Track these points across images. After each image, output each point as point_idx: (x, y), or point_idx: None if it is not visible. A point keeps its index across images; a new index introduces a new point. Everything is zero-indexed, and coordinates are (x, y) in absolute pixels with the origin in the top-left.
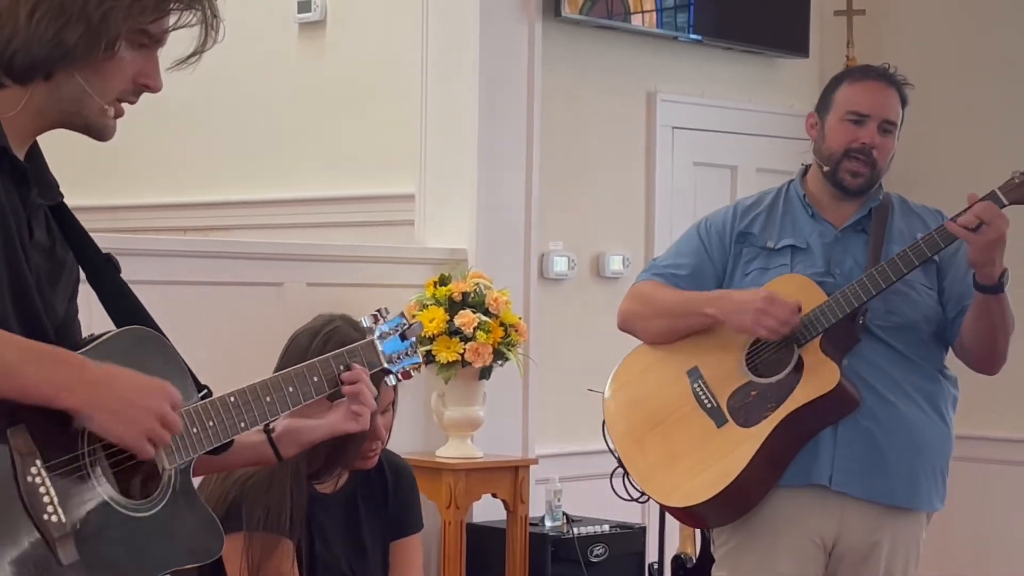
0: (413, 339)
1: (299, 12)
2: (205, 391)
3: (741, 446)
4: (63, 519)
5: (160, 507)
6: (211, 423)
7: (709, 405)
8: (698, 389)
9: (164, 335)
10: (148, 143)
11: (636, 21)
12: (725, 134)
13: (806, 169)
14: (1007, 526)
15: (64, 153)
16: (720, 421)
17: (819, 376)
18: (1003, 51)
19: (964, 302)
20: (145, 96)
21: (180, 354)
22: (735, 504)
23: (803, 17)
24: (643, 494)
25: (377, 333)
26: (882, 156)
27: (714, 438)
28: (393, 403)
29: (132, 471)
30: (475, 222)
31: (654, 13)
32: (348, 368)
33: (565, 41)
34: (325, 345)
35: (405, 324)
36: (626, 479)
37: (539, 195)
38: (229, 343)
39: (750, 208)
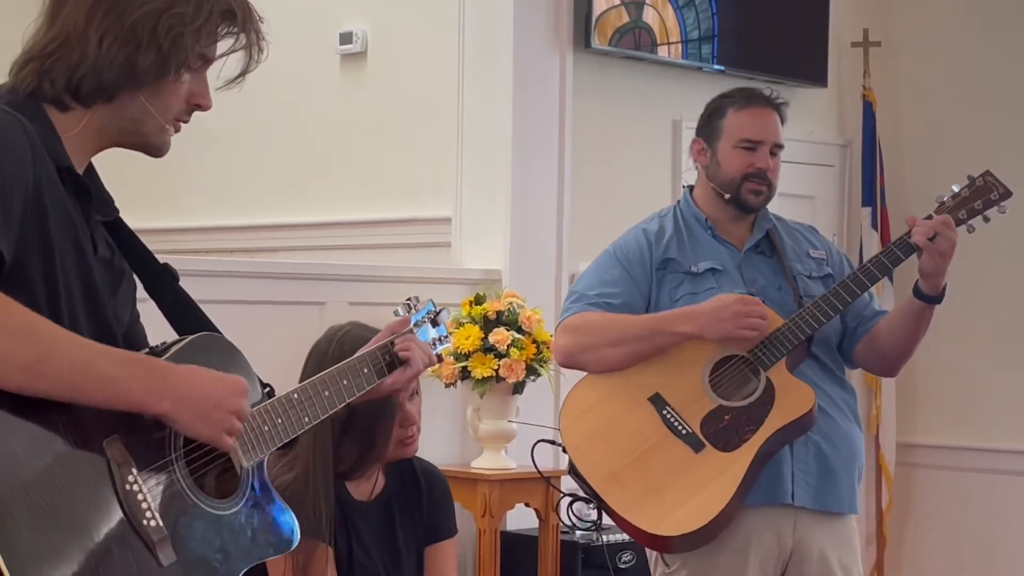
0: (443, 324)
1: (341, 44)
2: (268, 388)
3: (728, 470)
4: (160, 523)
5: (241, 504)
6: (279, 420)
7: (684, 431)
8: (668, 416)
9: (226, 339)
10: (197, 169)
11: (662, 52)
12: None
13: (691, 190)
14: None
15: (116, 177)
16: (697, 447)
17: (793, 397)
18: (1016, 80)
19: (864, 312)
20: (196, 125)
21: (244, 355)
22: (716, 529)
23: (821, 48)
24: (596, 521)
25: (413, 322)
26: (775, 176)
27: (694, 465)
28: (416, 390)
29: (209, 473)
30: (509, 244)
31: (679, 44)
32: (393, 356)
33: (595, 71)
34: (341, 348)
35: (435, 311)
36: (571, 508)
37: (570, 218)
38: (273, 359)
39: (659, 233)
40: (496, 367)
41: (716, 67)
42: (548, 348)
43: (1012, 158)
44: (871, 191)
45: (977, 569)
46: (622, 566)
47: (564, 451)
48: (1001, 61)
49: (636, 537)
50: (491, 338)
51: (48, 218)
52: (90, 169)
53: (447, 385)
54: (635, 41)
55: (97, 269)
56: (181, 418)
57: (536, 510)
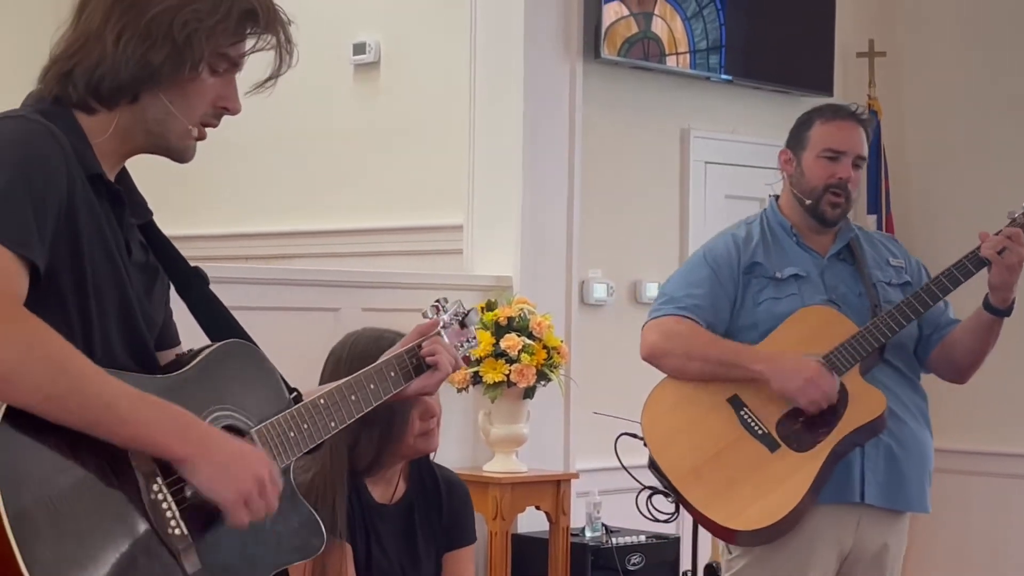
0: (472, 326)
1: (355, 54)
2: (296, 393)
3: (800, 470)
4: (185, 531)
5: None
6: (305, 426)
7: (760, 432)
8: (746, 416)
9: (254, 343)
10: (213, 177)
11: (671, 62)
12: (754, 168)
13: (776, 199)
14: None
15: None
16: (773, 447)
17: (865, 402)
18: (1017, 91)
19: (939, 320)
20: (211, 133)
21: (270, 361)
22: (785, 527)
23: (827, 58)
24: (674, 513)
25: (441, 324)
26: (855, 187)
27: (769, 464)
28: None
29: None
30: (520, 251)
31: (688, 55)
32: (420, 359)
33: (604, 81)
34: (353, 351)
35: (463, 312)
36: (651, 500)
37: (580, 225)
38: (289, 364)
39: (747, 239)
40: (507, 372)
41: (724, 77)
42: (558, 353)
43: (1015, 166)
44: (876, 198)
45: (985, 573)
46: (631, 568)
47: (645, 445)
48: (1004, 70)
49: (708, 528)
50: (502, 344)
51: (80, 231)
52: (123, 173)
53: (459, 390)
54: (644, 51)
55: (133, 275)
56: (200, 468)
57: (547, 513)
